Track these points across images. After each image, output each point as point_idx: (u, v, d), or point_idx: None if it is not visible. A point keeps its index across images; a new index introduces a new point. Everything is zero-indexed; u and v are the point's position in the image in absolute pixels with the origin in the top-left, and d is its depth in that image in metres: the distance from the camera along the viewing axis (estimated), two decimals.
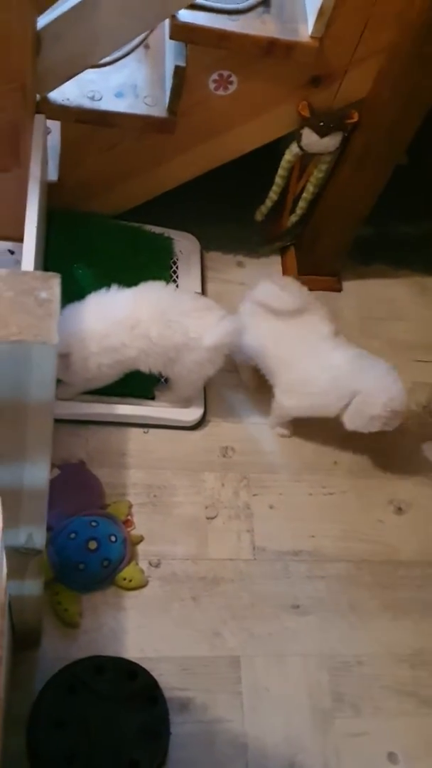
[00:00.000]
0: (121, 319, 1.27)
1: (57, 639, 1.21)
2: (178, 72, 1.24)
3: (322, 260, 1.64)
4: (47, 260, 1.44)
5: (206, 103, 1.33)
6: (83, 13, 1.09)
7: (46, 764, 1.07)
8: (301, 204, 1.54)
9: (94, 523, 1.27)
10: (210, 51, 1.23)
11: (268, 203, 1.56)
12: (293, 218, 1.58)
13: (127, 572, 1.27)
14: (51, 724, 1.09)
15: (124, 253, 1.51)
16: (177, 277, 1.55)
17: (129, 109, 1.30)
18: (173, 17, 1.18)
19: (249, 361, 1.44)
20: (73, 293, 1.33)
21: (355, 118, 1.35)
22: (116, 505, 1.33)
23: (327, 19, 1.20)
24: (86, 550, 1.24)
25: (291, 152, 1.42)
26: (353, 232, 1.59)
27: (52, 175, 1.42)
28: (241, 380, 1.51)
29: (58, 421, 1.35)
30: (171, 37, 1.22)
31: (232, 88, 1.31)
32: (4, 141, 1.22)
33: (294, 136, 1.40)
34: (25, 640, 1.17)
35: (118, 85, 1.31)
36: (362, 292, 1.72)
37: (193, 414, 1.44)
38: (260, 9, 1.24)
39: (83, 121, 1.30)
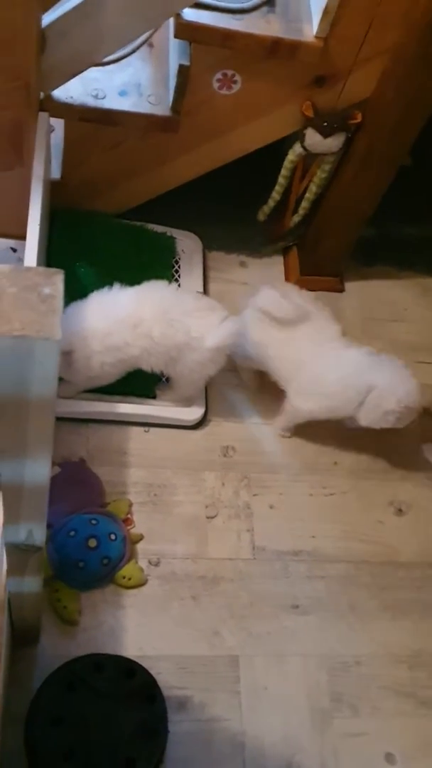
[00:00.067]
0: (124, 317, 1.27)
1: (56, 636, 1.21)
2: (182, 71, 1.24)
3: (325, 261, 1.64)
4: (50, 258, 1.44)
5: (210, 103, 1.33)
6: (88, 11, 1.09)
7: (44, 761, 1.07)
8: (304, 204, 1.54)
9: (94, 521, 1.27)
10: (214, 50, 1.23)
11: (271, 203, 1.56)
12: (296, 218, 1.58)
13: (127, 570, 1.27)
14: (49, 722, 1.09)
15: (126, 252, 1.51)
16: (179, 276, 1.55)
17: (133, 108, 1.30)
18: (178, 16, 1.18)
19: (250, 362, 1.44)
20: (75, 292, 1.33)
21: (359, 118, 1.35)
22: (116, 504, 1.33)
23: (332, 18, 1.20)
24: (86, 548, 1.24)
25: (294, 152, 1.42)
26: (356, 232, 1.59)
27: (55, 174, 1.42)
28: (242, 380, 1.51)
29: (59, 419, 1.35)
30: (175, 36, 1.22)
31: (236, 87, 1.31)
32: (8, 139, 1.22)
33: (297, 136, 1.40)
34: (24, 637, 1.17)
35: (122, 83, 1.31)
36: (364, 293, 1.72)
37: (194, 413, 1.44)
38: (265, 8, 1.24)
39: (87, 120, 1.30)
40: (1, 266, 0.47)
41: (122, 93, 1.30)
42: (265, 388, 1.47)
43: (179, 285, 1.53)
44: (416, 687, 1.30)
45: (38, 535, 0.78)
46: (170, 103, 1.30)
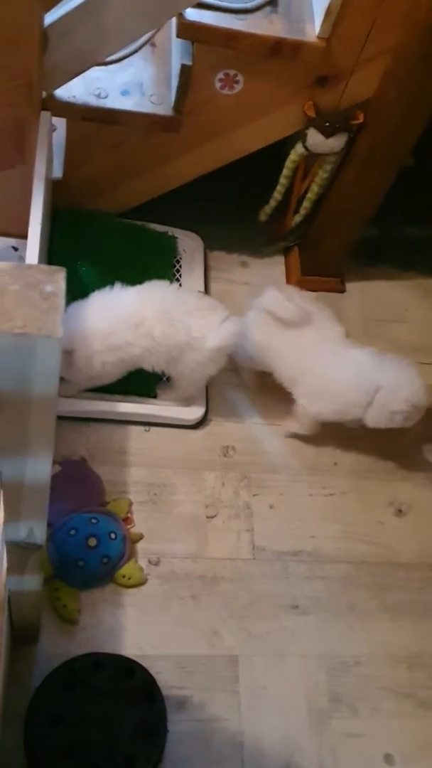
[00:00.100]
0: (125, 317, 1.27)
1: (55, 635, 1.21)
2: (185, 71, 1.24)
3: (326, 261, 1.64)
4: (51, 258, 1.44)
5: (212, 102, 1.33)
6: (90, 10, 1.09)
7: (43, 760, 1.07)
8: (306, 204, 1.54)
9: (94, 520, 1.27)
10: (216, 50, 1.23)
11: (273, 203, 1.56)
12: (297, 218, 1.58)
13: (127, 570, 1.27)
14: (48, 721, 1.09)
15: (127, 252, 1.51)
16: (180, 276, 1.56)
17: (135, 108, 1.30)
18: (180, 15, 1.18)
19: (252, 363, 1.44)
20: (76, 291, 1.33)
21: (361, 119, 1.35)
22: (116, 503, 1.33)
23: (334, 19, 1.20)
24: (86, 547, 1.24)
25: (296, 152, 1.42)
26: (358, 233, 1.59)
27: (57, 173, 1.42)
28: (243, 380, 1.51)
29: (60, 418, 1.35)
30: (178, 36, 1.22)
31: (238, 87, 1.31)
32: (10, 137, 1.22)
33: (299, 136, 1.40)
34: (23, 636, 1.17)
35: (125, 83, 1.31)
36: (366, 294, 1.71)
37: (195, 413, 1.44)
38: (267, 8, 1.24)
39: (89, 119, 1.30)
40: (3, 263, 0.47)
41: (124, 92, 1.31)
42: (266, 389, 1.47)
43: (180, 285, 1.53)
44: (415, 688, 1.30)
45: (39, 533, 0.78)
46: (172, 103, 1.30)
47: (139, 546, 1.31)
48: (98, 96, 1.28)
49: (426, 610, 1.37)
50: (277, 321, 1.36)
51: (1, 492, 0.69)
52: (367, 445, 1.49)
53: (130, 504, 1.34)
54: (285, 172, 1.47)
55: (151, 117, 1.30)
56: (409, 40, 1.21)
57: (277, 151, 1.47)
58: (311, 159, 1.44)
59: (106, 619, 1.24)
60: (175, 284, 1.37)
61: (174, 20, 1.21)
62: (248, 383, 1.51)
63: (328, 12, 1.19)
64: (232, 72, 1.29)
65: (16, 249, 1.48)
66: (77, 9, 1.09)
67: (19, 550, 0.81)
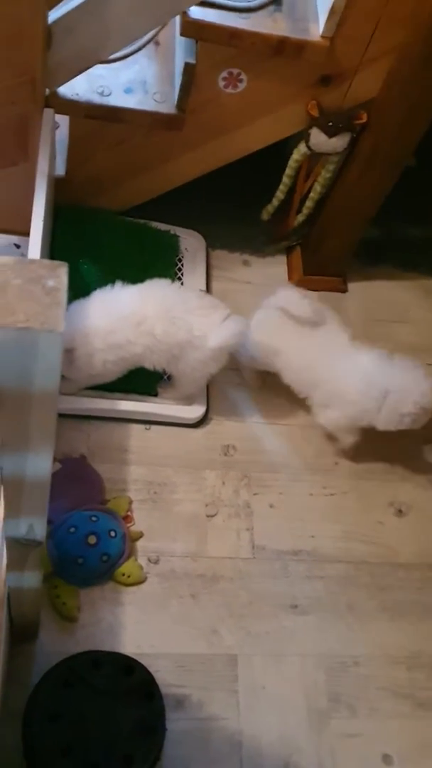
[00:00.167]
0: (127, 315, 1.27)
1: (54, 632, 1.21)
2: (188, 69, 1.24)
3: (328, 260, 1.64)
4: (53, 255, 1.44)
5: (215, 101, 1.33)
6: (94, 7, 1.09)
7: (42, 758, 1.07)
8: (308, 204, 1.54)
9: (94, 518, 1.27)
10: (220, 49, 1.23)
11: (275, 202, 1.56)
12: (300, 218, 1.58)
13: (126, 568, 1.27)
14: (47, 718, 1.09)
15: (129, 250, 1.51)
16: (182, 274, 1.55)
17: (138, 105, 1.30)
18: (184, 14, 1.18)
19: (255, 363, 1.44)
20: (78, 289, 1.33)
21: (364, 118, 1.34)
22: (116, 501, 1.33)
23: (338, 18, 1.20)
24: (86, 545, 1.24)
25: (299, 152, 1.42)
26: (360, 233, 1.59)
27: (60, 170, 1.42)
28: (244, 379, 1.51)
29: (61, 416, 1.35)
30: (181, 34, 1.22)
31: (241, 86, 1.31)
32: (13, 135, 1.23)
33: (302, 135, 1.40)
34: (22, 633, 1.17)
35: (128, 81, 1.31)
36: (367, 294, 1.71)
37: (196, 411, 1.44)
38: (271, 7, 1.24)
39: (92, 117, 1.30)
40: (6, 258, 0.47)
41: (128, 90, 1.31)
42: (267, 388, 1.47)
43: (182, 283, 1.53)
44: (414, 688, 1.30)
45: (39, 529, 0.78)
46: (175, 101, 1.30)
47: (139, 544, 1.31)
48: (101, 94, 1.28)
49: (425, 610, 1.37)
50: (291, 320, 1.35)
51: (2, 488, 0.69)
52: (368, 445, 1.48)
53: (130, 502, 1.34)
54: (288, 171, 1.47)
55: (154, 115, 1.30)
56: (414, 40, 1.21)
57: (280, 150, 1.47)
58: (314, 158, 1.44)
59: (106, 617, 1.24)
60: (177, 283, 1.37)
61: (178, 18, 1.21)
62: (249, 382, 1.50)
63: (332, 11, 1.19)
64: (235, 71, 1.29)
65: (18, 246, 1.48)
66: (81, 6, 1.09)
67: (19, 547, 0.81)
